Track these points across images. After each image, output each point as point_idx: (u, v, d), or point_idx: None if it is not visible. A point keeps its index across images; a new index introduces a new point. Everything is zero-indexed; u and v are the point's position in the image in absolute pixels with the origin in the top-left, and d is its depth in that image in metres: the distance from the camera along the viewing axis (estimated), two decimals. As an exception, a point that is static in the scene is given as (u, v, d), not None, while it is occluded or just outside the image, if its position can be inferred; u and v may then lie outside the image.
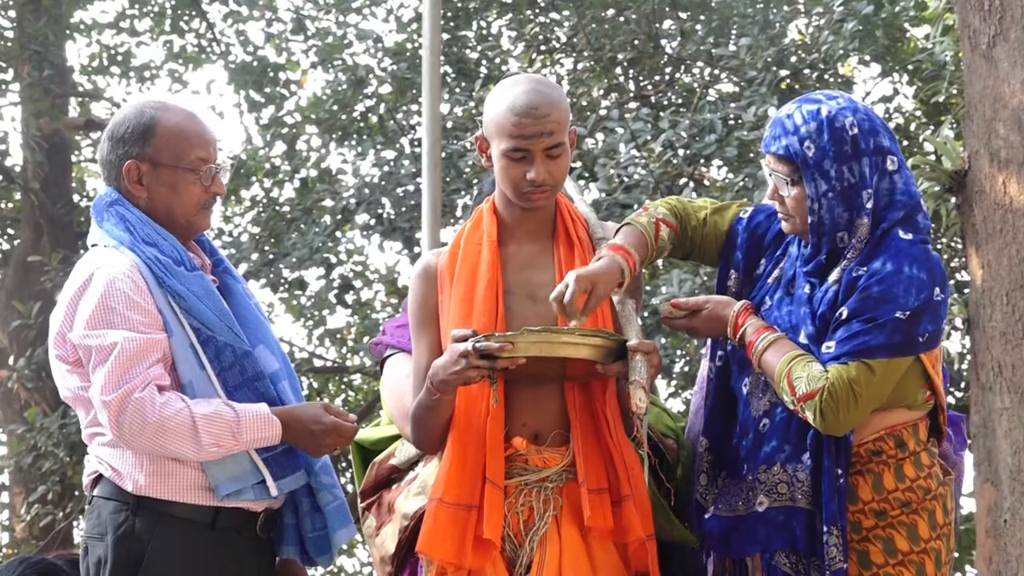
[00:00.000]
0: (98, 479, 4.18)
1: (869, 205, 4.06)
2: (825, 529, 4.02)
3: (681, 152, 11.23)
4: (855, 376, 3.97)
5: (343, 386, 16.45)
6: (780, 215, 4.19)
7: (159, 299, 4.11)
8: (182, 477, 4.09)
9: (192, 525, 4.10)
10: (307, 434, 4.13)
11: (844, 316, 4.02)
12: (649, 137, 11.10)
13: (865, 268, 4.05)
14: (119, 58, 16.04)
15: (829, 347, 4.02)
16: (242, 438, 4.05)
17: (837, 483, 4.03)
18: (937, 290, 4.03)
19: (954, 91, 10.92)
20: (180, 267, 4.17)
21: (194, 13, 15.71)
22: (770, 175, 4.17)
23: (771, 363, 4.07)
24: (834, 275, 4.10)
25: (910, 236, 4.07)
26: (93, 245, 4.25)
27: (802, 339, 4.09)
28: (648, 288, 11.32)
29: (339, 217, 12.58)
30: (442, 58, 11.51)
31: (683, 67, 13.41)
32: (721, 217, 4.36)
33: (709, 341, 4.37)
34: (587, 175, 10.94)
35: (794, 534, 4.09)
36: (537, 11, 13.86)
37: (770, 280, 4.25)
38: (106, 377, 3.99)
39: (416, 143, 12.80)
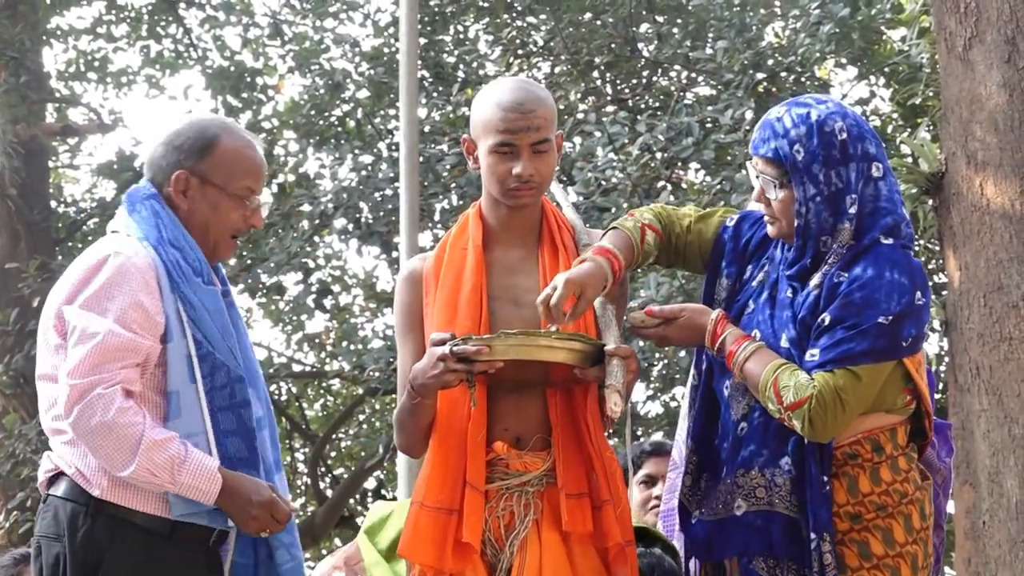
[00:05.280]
0: (55, 478, 4.13)
1: (852, 210, 4.04)
2: (815, 536, 4.00)
3: (658, 155, 11.27)
4: (841, 384, 3.95)
5: (322, 391, 16.44)
6: (766, 218, 4.16)
7: (168, 303, 4.08)
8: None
9: (150, 535, 4.05)
10: (244, 502, 4.05)
11: (827, 323, 3.99)
12: (626, 140, 11.12)
13: (846, 274, 4.02)
14: (96, 64, 16.03)
15: (813, 355, 4.00)
16: (179, 479, 3.98)
17: (823, 490, 4.01)
18: (918, 294, 4.01)
19: (931, 93, 10.95)
20: (198, 278, 4.15)
21: (171, 18, 15.70)
22: (756, 177, 4.13)
23: (754, 372, 4.04)
24: (815, 280, 4.07)
25: (890, 241, 4.07)
26: (114, 232, 4.22)
27: (783, 343, 4.06)
28: (626, 291, 11.32)
29: (317, 222, 12.59)
30: (419, 62, 11.50)
31: (660, 70, 13.43)
32: (705, 225, 4.33)
33: (696, 349, 4.35)
34: (565, 179, 10.95)
35: (771, 538, 4.07)
36: (514, 15, 13.88)
37: (754, 284, 4.22)
38: (79, 361, 3.96)
39: (394, 147, 12.80)
